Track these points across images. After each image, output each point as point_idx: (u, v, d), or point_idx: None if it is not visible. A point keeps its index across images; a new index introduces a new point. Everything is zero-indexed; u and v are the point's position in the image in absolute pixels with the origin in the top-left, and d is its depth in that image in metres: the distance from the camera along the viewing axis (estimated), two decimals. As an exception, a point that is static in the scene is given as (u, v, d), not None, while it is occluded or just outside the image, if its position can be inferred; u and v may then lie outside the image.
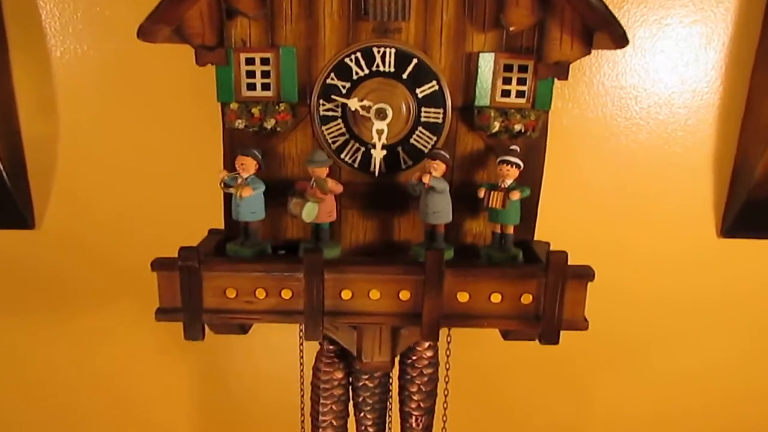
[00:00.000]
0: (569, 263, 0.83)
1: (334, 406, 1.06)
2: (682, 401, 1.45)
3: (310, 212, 0.87)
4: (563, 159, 1.22)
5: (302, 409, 1.16)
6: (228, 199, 0.93)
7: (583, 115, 1.21)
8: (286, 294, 0.85)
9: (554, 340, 0.87)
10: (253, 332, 1.08)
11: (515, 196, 0.88)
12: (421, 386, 1.06)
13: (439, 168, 0.87)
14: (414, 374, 1.05)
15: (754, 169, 1.17)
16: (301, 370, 1.13)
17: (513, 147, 0.91)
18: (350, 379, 1.07)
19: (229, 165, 0.92)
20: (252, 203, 0.88)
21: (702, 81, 1.20)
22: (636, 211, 1.28)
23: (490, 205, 0.89)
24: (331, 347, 1.03)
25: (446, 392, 1.11)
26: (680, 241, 1.30)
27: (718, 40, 1.18)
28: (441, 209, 0.89)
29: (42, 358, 1.42)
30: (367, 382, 1.06)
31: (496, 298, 0.84)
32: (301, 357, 1.12)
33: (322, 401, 1.07)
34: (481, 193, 0.89)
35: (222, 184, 0.88)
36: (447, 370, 1.09)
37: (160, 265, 0.86)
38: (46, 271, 1.33)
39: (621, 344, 1.39)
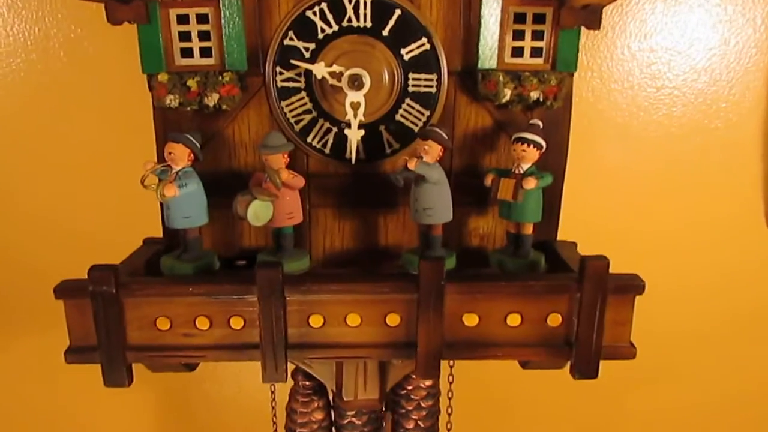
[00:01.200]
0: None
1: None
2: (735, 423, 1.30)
3: (259, 213, 0.70)
4: (583, 139, 1.06)
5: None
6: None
7: (605, 85, 1.08)
8: (237, 323, 0.70)
9: (592, 373, 0.71)
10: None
11: (530, 184, 0.72)
12: (419, 422, 0.94)
13: (432, 150, 0.72)
14: (410, 408, 0.94)
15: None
16: (274, 415, 0.99)
17: (533, 121, 0.76)
18: (333, 418, 0.95)
19: (162, 156, 0.75)
20: (185, 205, 0.72)
21: (749, 40, 1.05)
22: (672, 201, 1.14)
23: (499, 197, 0.74)
24: (307, 383, 0.91)
25: (449, 426, 1.01)
26: (725, 234, 1.16)
27: (769, -12, 1.04)
28: (435, 205, 0.73)
29: None
30: (353, 419, 0.93)
31: (514, 320, 0.70)
32: (273, 398, 0.98)
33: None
34: (489, 181, 0.75)
35: (143, 182, 0.69)
36: (450, 400, 0.99)
37: (65, 291, 0.69)
38: None
39: (659, 361, 1.24)
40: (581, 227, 0.88)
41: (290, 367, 0.87)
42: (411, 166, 0.70)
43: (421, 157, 0.71)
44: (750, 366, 1.27)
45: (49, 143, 1.08)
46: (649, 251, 1.14)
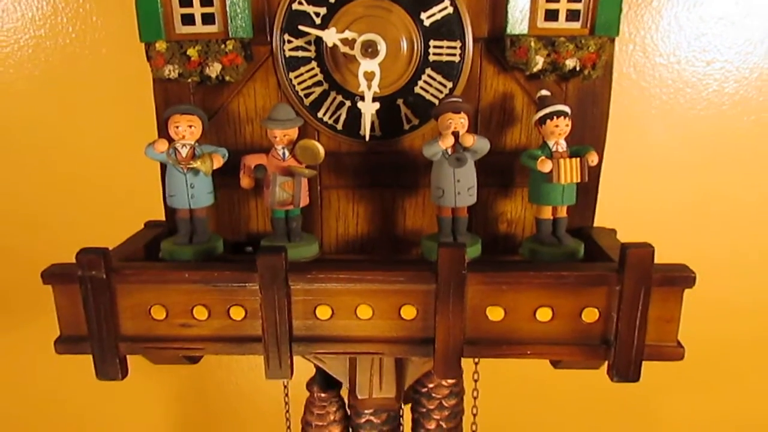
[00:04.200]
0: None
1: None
2: None
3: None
4: (624, 118, 1.02)
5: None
6: (163, 180, 0.72)
7: (649, 59, 1.03)
8: (237, 313, 0.65)
9: (633, 376, 0.64)
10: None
11: (594, 159, 0.67)
12: (442, 422, 0.90)
13: (467, 124, 0.68)
14: (431, 407, 0.90)
15: None
16: (287, 412, 0.96)
17: (543, 93, 0.70)
18: (349, 423, 0.92)
19: (165, 130, 0.71)
20: (209, 181, 0.70)
21: None
22: (724, 185, 1.07)
23: (563, 181, 0.67)
24: (323, 395, 0.88)
25: (474, 428, 0.97)
26: None
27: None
28: (474, 182, 0.69)
29: None
30: (372, 417, 0.88)
31: (544, 314, 0.65)
32: (287, 402, 0.95)
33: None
34: (547, 166, 0.67)
35: (172, 159, 0.67)
36: (475, 399, 0.95)
37: (53, 276, 0.65)
38: None
39: (705, 362, 1.17)
40: (622, 213, 0.83)
41: (306, 368, 0.82)
42: (468, 143, 0.65)
43: (457, 133, 0.66)
44: None
45: (55, 118, 1.07)
46: (698, 240, 1.08)
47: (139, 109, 0.96)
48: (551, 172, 0.67)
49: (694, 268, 0.64)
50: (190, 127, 0.68)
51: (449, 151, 0.67)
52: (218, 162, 0.69)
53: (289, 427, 0.98)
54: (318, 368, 0.89)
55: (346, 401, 0.90)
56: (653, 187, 1.06)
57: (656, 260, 0.63)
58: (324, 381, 0.88)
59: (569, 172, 0.66)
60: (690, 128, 1.03)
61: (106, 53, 1.02)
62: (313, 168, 0.69)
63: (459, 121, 0.67)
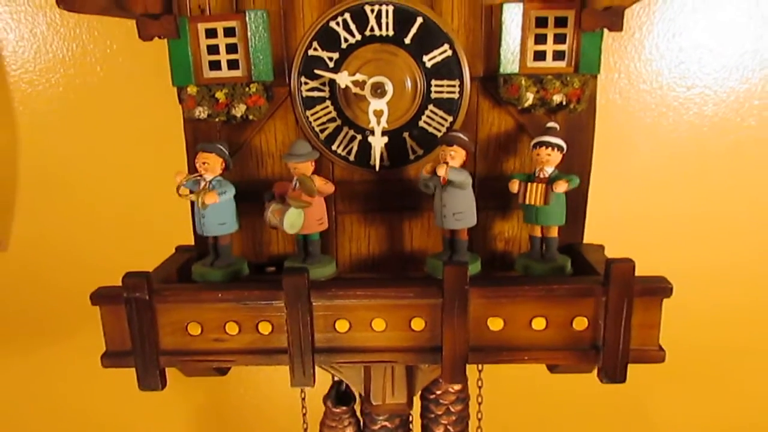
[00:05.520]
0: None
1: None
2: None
3: (293, 221, 0.71)
4: (611, 141, 1.06)
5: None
6: (194, 208, 0.77)
7: (633, 86, 1.07)
8: (265, 328, 0.71)
9: (620, 377, 0.70)
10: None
11: (561, 187, 0.71)
12: (449, 427, 0.94)
13: (457, 156, 0.72)
14: (439, 413, 0.93)
15: None
16: (305, 425, 1.00)
17: (551, 124, 0.75)
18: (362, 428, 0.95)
19: (193, 166, 0.77)
20: (220, 212, 0.73)
21: None
22: (705, 202, 1.11)
23: (527, 202, 0.73)
24: (336, 410, 0.91)
25: (479, 431, 1.00)
26: (761, 234, 1.12)
27: (803, -16, 1.01)
28: (464, 209, 0.73)
29: (17, 385, 1.30)
30: (386, 423, 0.92)
31: (539, 324, 0.70)
32: (304, 414, 0.98)
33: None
34: (515, 187, 0.74)
35: (179, 191, 0.71)
36: (479, 404, 0.98)
37: (101, 297, 0.71)
38: (12, 296, 1.21)
39: (696, 368, 1.21)
40: (610, 231, 0.87)
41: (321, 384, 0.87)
42: (441, 173, 0.70)
43: (447, 163, 0.71)
44: None
45: (85, 153, 1.11)
46: (681, 255, 1.11)
47: (160, 143, 1.03)
48: (519, 192, 0.73)
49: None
50: (204, 163, 0.73)
51: (425, 175, 0.72)
52: (211, 198, 0.71)
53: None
54: (333, 384, 0.93)
55: (361, 409, 0.92)
56: (640, 204, 1.09)
57: (644, 272, 0.67)
58: (338, 396, 0.92)
59: (533, 195, 0.72)
60: (673, 149, 1.07)
61: (131, 91, 1.07)
62: (306, 203, 0.72)
63: (449, 153, 0.71)
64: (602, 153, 1.01)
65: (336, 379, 0.92)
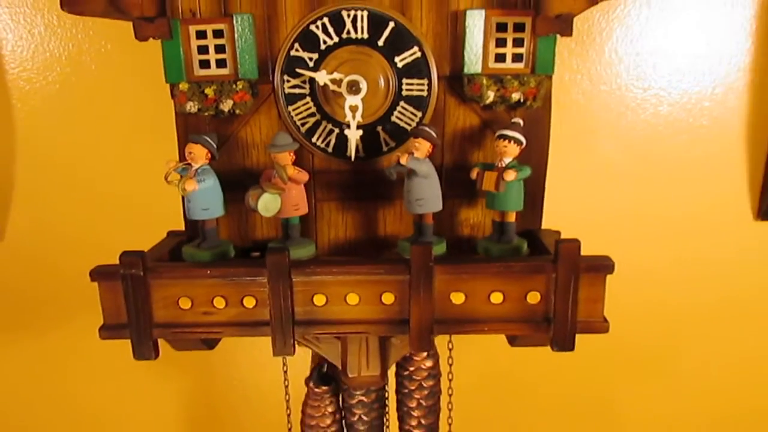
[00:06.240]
0: (583, 254, 0.73)
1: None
2: (716, 410, 1.33)
3: (268, 205, 0.76)
4: (574, 138, 1.12)
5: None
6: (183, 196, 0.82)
7: (594, 87, 1.12)
8: (249, 302, 0.75)
9: (568, 346, 0.75)
10: (236, 341, 1.00)
11: (510, 176, 0.77)
12: (421, 401, 0.98)
13: (422, 147, 0.77)
14: (412, 388, 0.97)
15: (794, 139, 1.04)
16: (288, 404, 1.04)
17: (515, 120, 0.81)
18: (342, 423, 1.00)
19: (183, 155, 0.82)
20: (203, 198, 0.78)
21: (730, 41, 1.09)
22: (660, 196, 1.17)
23: (483, 188, 0.79)
24: (318, 390, 0.96)
25: (450, 406, 1.05)
26: (711, 227, 1.18)
27: (747, -6, 1.07)
28: (425, 196, 0.78)
29: (10, 377, 1.34)
30: (363, 397, 0.96)
31: (496, 298, 0.75)
32: (287, 399, 1.03)
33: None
34: (474, 174, 0.80)
35: (167, 178, 0.76)
36: (450, 381, 1.02)
37: (99, 274, 0.75)
38: (11, 285, 1.25)
39: (646, 347, 1.28)
40: (569, 219, 0.92)
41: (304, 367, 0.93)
42: (402, 161, 0.76)
43: (413, 154, 0.77)
44: (734, 352, 1.28)
45: (82, 147, 1.15)
46: (640, 242, 1.17)
47: (153, 136, 1.04)
48: (476, 179, 0.79)
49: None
50: (189, 153, 0.78)
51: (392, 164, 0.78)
52: (190, 185, 0.76)
53: (289, 416, 1.05)
54: (314, 366, 0.98)
55: (339, 387, 0.97)
56: (599, 194, 1.15)
57: (587, 253, 0.72)
58: (319, 378, 0.96)
59: (487, 182, 0.78)
60: (631, 145, 1.13)
61: (125, 87, 1.11)
62: (280, 189, 0.77)
63: (414, 144, 0.77)
64: (565, 149, 1.09)
65: (317, 362, 0.97)
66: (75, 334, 1.28)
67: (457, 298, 0.75)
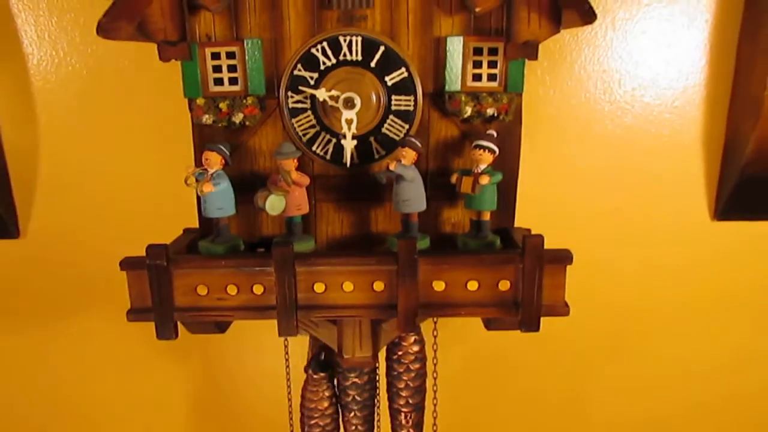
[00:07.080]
0: (547, 248, 0.82)
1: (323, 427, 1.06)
2: (677, 397, 1.42)
3: (274, 204, 0.86)
4: (547, 146, 1.20)
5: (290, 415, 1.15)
6: (200, 196, 0.92)
7: (565, 100, 1.18)
8: (258, 289, 0.84)
9: (534, 327, 0.85)
10: (242, 333, 1.01)
11: (484, 180, 0.87)
12: (409, 382, 1.04)
13: (408, 155, 0.86)
14: (401, 370, 1.04)
15: (744, 146, 1.14)
16: (289, 390, 1.11)
17: (489, 132, 0.90)
18: (337, 406, 1.07)
19: (199, 161, 0.91)
20: (218, 199, 0.87)
21: (687, 60, 1.18)
22: (624, 198, 1.25)
23: (462, 191, 0.88)
24: (316, 376, 1.02)
25: (435, 388, 1.10)
26: (672, 226, 1.26)
27: (701, 18, 1.15)
28: (411, 197, 0.88)
29: (33, 364, 1.41)
30: (356, 379, 1.04)
31: (473, 285, 0.83)
32: (289, 385, 1.10)
33: (308, 429, 1.06)
34: (454, 179, 0.89)
35: (186, 181, 0.86)
36: (435, 365, 1.08)
37: (128, 264, 0.85)
38: (34, 279, 1.32)
39: (615, 336, 1.36)
40: (544, 218, 1.01)
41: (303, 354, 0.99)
42: (392, 167, 0.85)
43: (400, 161, 0.86)
44: (697, 347, 1.37)
45: (101, 155, 1.22)
46: (606, 241, 1.26)
47: (171, 145, 1.12)
48: (456, 183, 0.87)
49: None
50: (206, 159, 0.85)
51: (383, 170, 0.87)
52: (207, 187, 0.84)
53: (290, 399, 1.12)
54: (313, 355, 1.04)
55: (336, 367, 1.03)
56: (568, 198, 1.21)
57: (558, 249, 0.82)
58: (317, 365, 1.02)
59: (465, 186, 0.86)
60: (598, 153, 1.19)
61: (144, 101, 1.17)
62: (285, 191, 0.84)
63: (401, 152, 0.85)
64: (538, 157, 1.18)
65: (315, 351, 1.05)
66: (89, 329, 1.34)
67: (439, 285, 0.83)
